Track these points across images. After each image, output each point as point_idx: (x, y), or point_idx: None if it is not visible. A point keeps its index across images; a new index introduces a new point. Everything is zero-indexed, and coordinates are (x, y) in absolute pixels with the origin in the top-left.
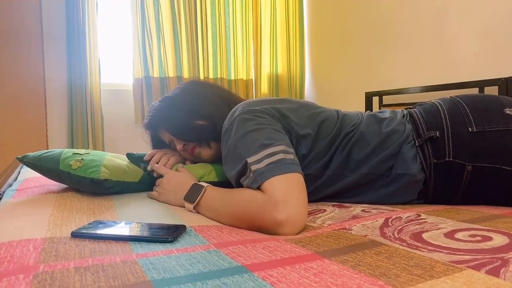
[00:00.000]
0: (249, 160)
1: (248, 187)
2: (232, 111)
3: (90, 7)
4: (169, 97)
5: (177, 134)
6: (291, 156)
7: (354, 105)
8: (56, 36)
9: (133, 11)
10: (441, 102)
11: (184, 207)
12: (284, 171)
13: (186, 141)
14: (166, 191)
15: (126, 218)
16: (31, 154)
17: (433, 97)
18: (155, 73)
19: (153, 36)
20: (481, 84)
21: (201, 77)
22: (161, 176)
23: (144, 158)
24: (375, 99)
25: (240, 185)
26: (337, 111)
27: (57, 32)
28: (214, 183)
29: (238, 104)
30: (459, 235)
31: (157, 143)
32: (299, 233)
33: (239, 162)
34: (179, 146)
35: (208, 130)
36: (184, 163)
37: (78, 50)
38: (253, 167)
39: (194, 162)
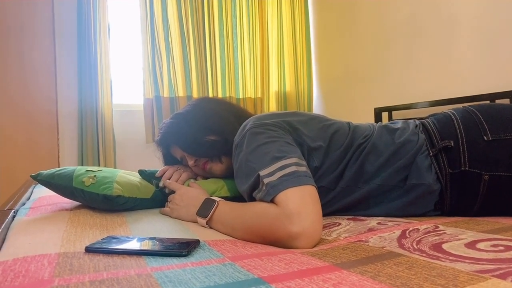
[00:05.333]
0: (261, 173)
1: (261, 200)
2: (242, 125)
3: (102, 29)
4: (180, 113)
5: (188, 149)
6: (304, 169)
7: (363, 121)
8: (68, 58)
9: (143, 33)
10: (454, 112)
11: (197, 223)
12: (297, 183)
13: (198, 157)
14: (178, 207)
15: (139, 234)
16: (45, 172)
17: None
18: (165, 93)
19: (163, 57)
20: (492, 97)
21: (210, 96)
22: (173, 192)
23: (156, 175)
24: (385, 115)
25: (252, 199)
26: (348, 123)
27: (69, 55)
28: (226, 198)
29: (249, 119)
30: (480, 245)
31: (169, 160)
32: (314, 246)
33: (251, 176)
34: (190, 162)
35: (219, 145)
36: (195, 178)
37: (90, 72)
38: (266, 180)
39: (206, 178)
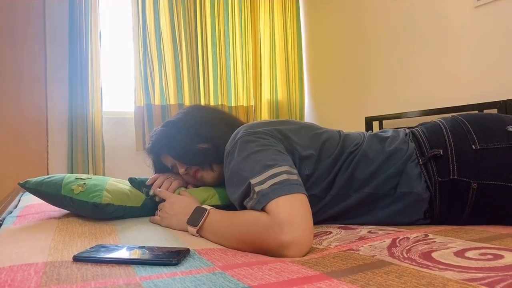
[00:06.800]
0: (252, 181)
1: (252, 208)
2: (234, 133)
3: (94, 37)
4: (171, 121)
5: (179, 157)
6: (295, 177)
7: (354, 130)
8: (59, 66)
9: (135, 40)
10: (443, 121)
11: (187, 231)
12: (288, 191)
13: (189, 165)
14: (168, 215)
15: (129, 242)
16: (33, 179)
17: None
18: (157, 101)
19: (155, 64)
20: (480, 107)
21: (202, 104)
22: (163, 200)
23: (146, 183)
24: (375, 124)
25: (243, 207)
26: (339, 132)
27: (60, 62)
28: (217, 207)
29: (240, 127)
30: (469, 254)
31: (160, 168)
32: (305, 255)
33: (242, 184)
34: (181, 170)
35: (210, 153)
36: (186, 187)
37: (81, 79)
38: (257, 188)
39: (197, 186)
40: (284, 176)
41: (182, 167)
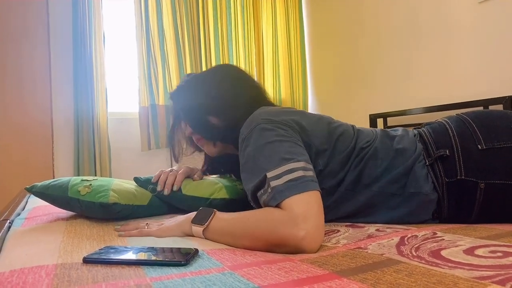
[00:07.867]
0: (269, 174)
1: (266, 204)
2: (250, 117)
3: (97, 38)
4: (197, 76)
5: (187, 120)
6: (310, 173)
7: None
8: (64, 67)
9: (138, 41)
10: (448, 121)
11: (191, 236)
12: (303, 189)
13: (195, 131)
14: (165, 225)
15: (137, 244)
16: (39, 183)
17: (438, 117)
18: (161, 101)
19: (159, 65)
20: (485, 103)
21: None
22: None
23: (152, 180)
24: (379, 121)
25: (255, 197)
26: (353, 126)
27: (64, 64)
28: (225, 200)
29: (257, 111)
30: (479, 252)
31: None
32: (317, 251)
33: (258, 175)
34: (188, 131)
35: (217, 131)
36: (193, 178)
37: (85, 81)
38: (272, 183)
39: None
40: (300, 173)
41: (188, 129)
